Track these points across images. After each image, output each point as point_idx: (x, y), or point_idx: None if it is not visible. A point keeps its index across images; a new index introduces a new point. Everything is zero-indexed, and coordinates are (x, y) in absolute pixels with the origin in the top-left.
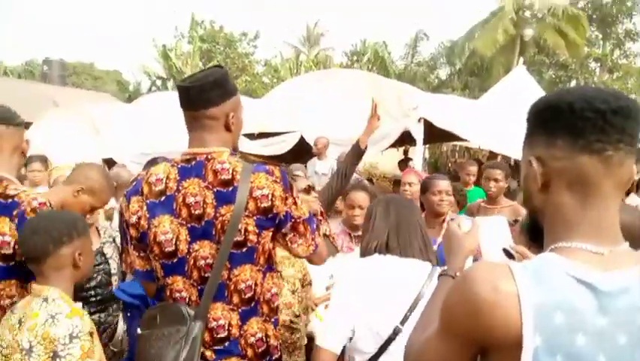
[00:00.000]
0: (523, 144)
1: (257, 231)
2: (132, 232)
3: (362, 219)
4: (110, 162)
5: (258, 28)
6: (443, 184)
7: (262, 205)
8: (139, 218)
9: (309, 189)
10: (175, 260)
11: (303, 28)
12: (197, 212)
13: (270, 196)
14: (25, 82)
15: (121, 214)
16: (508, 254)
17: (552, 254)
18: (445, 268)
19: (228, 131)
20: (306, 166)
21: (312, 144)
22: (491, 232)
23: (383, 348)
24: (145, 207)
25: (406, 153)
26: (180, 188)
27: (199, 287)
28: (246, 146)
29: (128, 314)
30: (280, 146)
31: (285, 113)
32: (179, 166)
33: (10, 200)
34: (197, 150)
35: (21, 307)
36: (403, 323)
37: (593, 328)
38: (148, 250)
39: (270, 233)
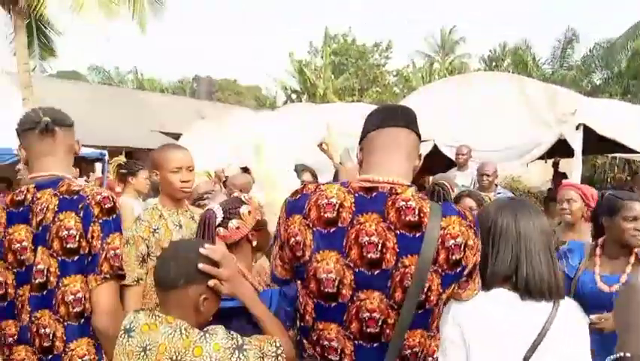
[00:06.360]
0: None
1: (440, 290)
2: (287, 251)
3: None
4: (248, 170)
5: (390, 38)
6: None
7: (453, 257)
8: (299, 244)
9: None
10: (333, 304)
11: (437, 36)
12: (370, 255)
13: (462, 246)
14: (178, 98)
15: (278, 221)
16: None
17: None
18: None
19: (413, 164)
20: None
21: (445, 152)
22: None
23: None
24: (310, 236)
25: (555, 165)
26: (355, 222)
27: (356, 342)
28: None
29: None
30: None
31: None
32: (357, 195)
33: (75, 196)
34: (379, 178)
35: (140, 331)
36: None
37: None
38: (304, 283)
39: (452, 289)
